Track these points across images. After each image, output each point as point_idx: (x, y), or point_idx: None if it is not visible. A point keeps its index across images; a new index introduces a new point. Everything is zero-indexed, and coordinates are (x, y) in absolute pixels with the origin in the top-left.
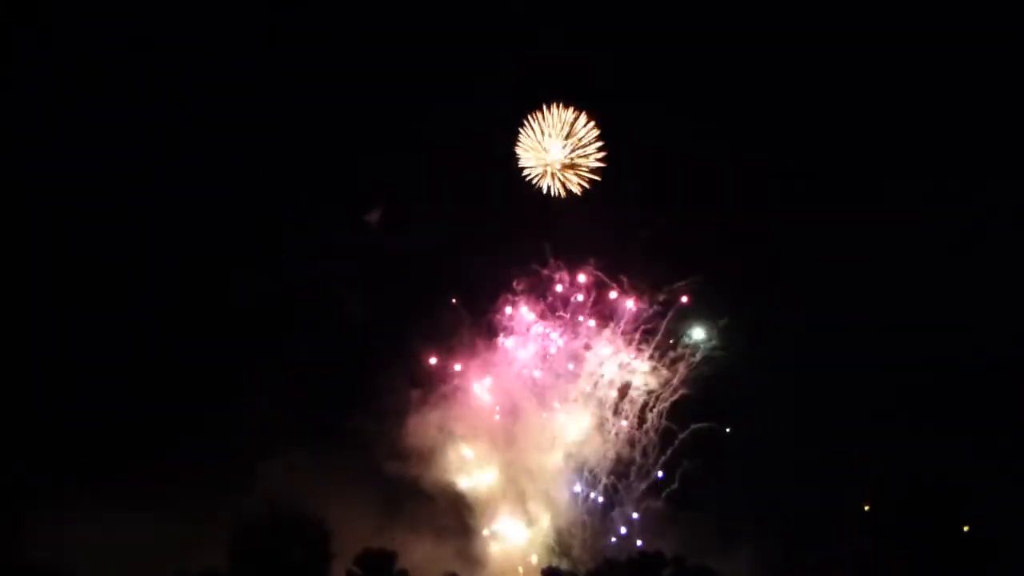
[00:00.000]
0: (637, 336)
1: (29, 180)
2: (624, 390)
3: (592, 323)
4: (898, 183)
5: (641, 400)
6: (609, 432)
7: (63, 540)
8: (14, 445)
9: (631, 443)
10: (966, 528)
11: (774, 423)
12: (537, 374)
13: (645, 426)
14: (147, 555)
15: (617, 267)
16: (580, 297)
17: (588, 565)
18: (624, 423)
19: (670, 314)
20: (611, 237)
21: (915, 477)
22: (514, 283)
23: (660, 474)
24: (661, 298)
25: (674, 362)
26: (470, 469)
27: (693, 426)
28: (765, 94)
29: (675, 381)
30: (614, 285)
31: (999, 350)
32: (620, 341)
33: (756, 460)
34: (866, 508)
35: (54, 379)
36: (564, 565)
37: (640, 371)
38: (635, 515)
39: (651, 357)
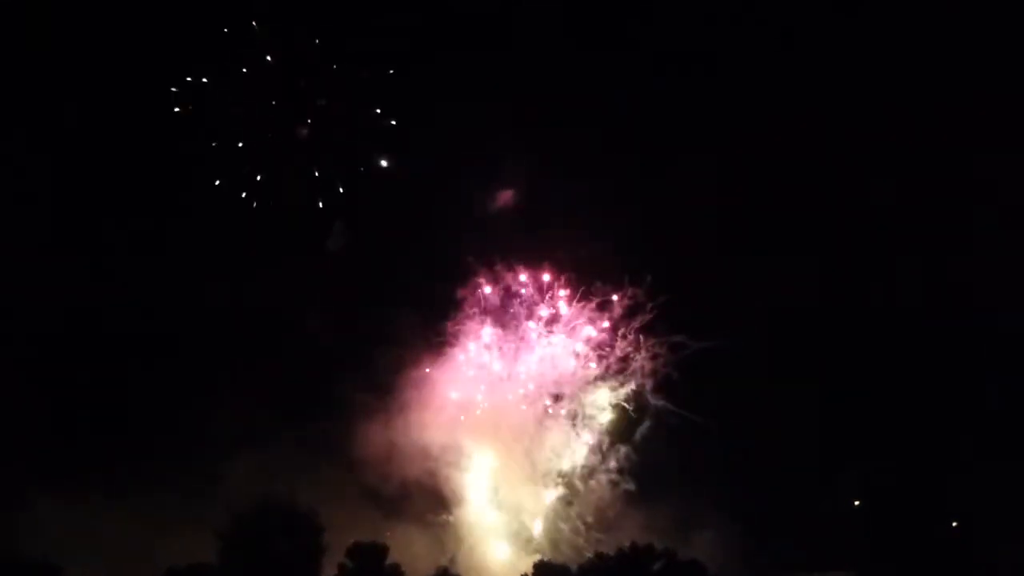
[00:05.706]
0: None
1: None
2: (558, 396)
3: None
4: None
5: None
6: (547, 432)
7: (54, 537)
8: (5, 444)
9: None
10: (954, 524)
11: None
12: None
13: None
14: (136, 552)
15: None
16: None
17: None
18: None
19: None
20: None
21: (902, 474)
22: (456, 292)
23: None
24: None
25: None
26: (437, 465)
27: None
28: None
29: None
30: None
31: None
32: (565, 349)
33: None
34: (856, 504)
35: (45, 381)
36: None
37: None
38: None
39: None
